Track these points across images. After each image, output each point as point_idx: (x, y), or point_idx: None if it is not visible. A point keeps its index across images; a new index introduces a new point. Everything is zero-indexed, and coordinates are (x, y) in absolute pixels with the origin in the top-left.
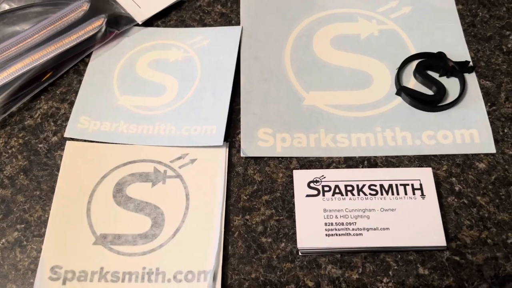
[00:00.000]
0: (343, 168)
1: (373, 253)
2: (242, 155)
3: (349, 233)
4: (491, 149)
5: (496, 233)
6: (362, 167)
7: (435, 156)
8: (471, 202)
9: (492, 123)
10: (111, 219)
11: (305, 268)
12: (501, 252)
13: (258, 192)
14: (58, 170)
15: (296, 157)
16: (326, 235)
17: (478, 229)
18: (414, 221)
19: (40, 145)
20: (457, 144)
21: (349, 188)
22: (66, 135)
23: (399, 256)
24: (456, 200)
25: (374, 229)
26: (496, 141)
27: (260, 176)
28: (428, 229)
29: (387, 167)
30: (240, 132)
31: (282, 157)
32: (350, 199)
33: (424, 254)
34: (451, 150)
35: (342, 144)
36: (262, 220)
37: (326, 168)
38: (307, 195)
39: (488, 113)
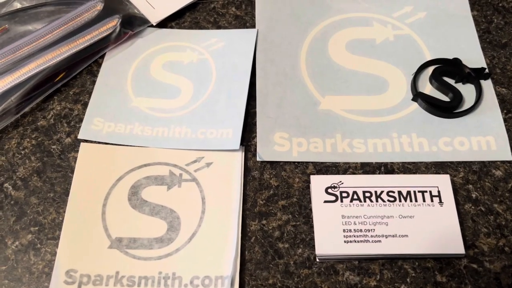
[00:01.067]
0: (360, 173)
1: (391, 260)
2: (258, 159)
3: (367, 240)
4: (508, 156)
5: None
6: (379, 173)
7: (451, 162)
8: (488, 209)
9: (508, 130)
10: (127, 223)
11: (322, 275)
12: None
13: (274, 197)
14: (72, 172)
15: (312, 162)
16: (345, 241)
17: (495, 237)
18: (433, 228)
19: (53, 146)
20: (473, 151)
21: (367, 194)
22: (80, 136)
23: (417, 264)
24: (473, 207)
25: (393, 236)
26: None
27: (276, 181)
28: (447, 237)
29: (404, 173)
30: (256, 136)
31: (298, 162)
32: (368, 205)
33: (442, 261)
34: (467, 157)
35: (359, 150)
36: (279, 225)
37: (343, 173)
38: (325, 201)
39: (504, 120)
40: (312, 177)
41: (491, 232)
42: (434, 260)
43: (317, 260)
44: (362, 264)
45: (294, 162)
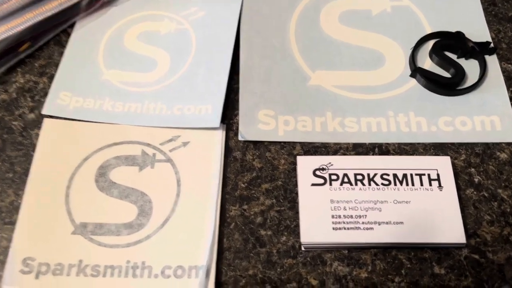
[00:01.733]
0: (352, 155)
1: (384, 250)
2: (240, 138)
3: (358, 227)
4: None
5: None
6: (373, 155)
7: (452, 144)
8: (491, 195)
9: None
10: (93, 207)
11: (308, 265)
12: None
13: (257, 179)
14: (34, 150)
15: (300, 142)
16: (333, 228)
17: (499, 225)
18: (431, 215)
19: (14, 123)
20: (476, 132)
21: (359, 177)
22: (44, 112)
23: (412, 254)
24: (475, 192)
25: (386, 223)
26: None
27: (260, 162)
28: (446, 224)
29: (400, 155)
30: (238, 113)
31: (284, 142)
32: (360, 189)
33: (441, 251)
34: (470, 138)
35: (351, 129)
36: (262, 211)
37: (333, 155)
38: (312, 184)
39: (510, 98)
40: (298, 158)
41: (495, 220)
42: (432, 250)
43: (303, 249)
44: (352, 254)
45: (280, 142)
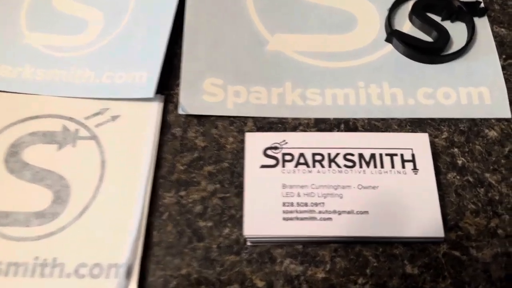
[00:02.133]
0: (313, 132)
1: (346, 245)
2: (181, 112)
3: (314, 217)
4: (506, 113)
5: (510, 221)
6: (338, 132)
7: (432, 120)
8: (477, 180)
9: (507, 80)
10: None
11: (254, 263)
12: None
13: (199, 161)
14: None
15: (252, 117)
16: (284, 219)
17: (485, 215)
18: (403, 203)
19: None
20: (461, 106)
21: (318, 157)
22: None
23: (380, 250)
24: (458, 177)
25: (349, 212)
26: None
27: (204, 141)
28: (421, 215)
29: (370, 132)
30: (180, 82)
31: (234, 117)
32: (318, 171)
33: (414, 247)
34: (454, 113)
35: (313, 102)
36: (202, 198)
37: (292, 131)
38: (262, 166)
39: (503, 67)
40: (247, 134)
41: (481, 210)
42: (404, 245)
43: (248, 243)
44: (308, 250)
45: (228, 117)
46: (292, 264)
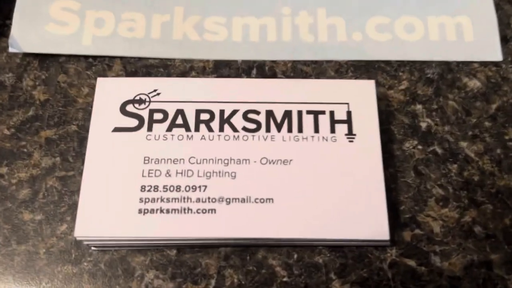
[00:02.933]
0: (204, 78)
1: (243, 250)
2: (12, 50)
3: (190, 209)
4: (494, 54)
5: (492, 214)
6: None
7: (387, 63)
8: (449, 151)
9: (499, 7)
10: None
11: (100, 277)
12: (500, 251)
13: (35, 122)
14: None
15: (122, 58)
16: (141, 211)
17: (458, 205)
18: (328, 187)
19: None
20: (430, 43)
21: (205, 116)
22: None
23: (295, 257)
24: (420, 147)
25: (244, 200)
26: (505, 41)
27: (46, 92)
28: (357, 205)
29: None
30: (15, 8)
31: (94, 57)
32: (203, 138)
33: (346, 254)
34: (418, 54)
35: (214, 36)
36: (32, 177)
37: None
38: (116, 129)
39: None
40: (99, 80)
41: (451, 197)
42: (330, 250)
43: (93, 248)
44: (184, 257)
45: (86, 58)
46: (158, 279)
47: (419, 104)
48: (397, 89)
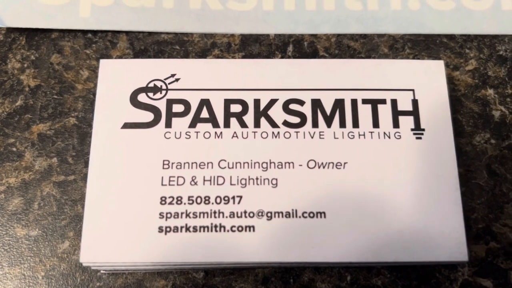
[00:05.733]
0: (235, 59)
1: (285, 271)
2: None
3: (222, 226)
4: None
5: None
6: (281, 59)
7: (451, 38)
8: None
9: None
10: None
11: None
12: None
13: (24, 114)
14: None
15: (127, 33)
16: (162, 229)
17: None
18: (392, 197)
19: None
20: (502, 13)
21: (236, 108)
22: None
23: (348, 278)
24: (493, 141)
25: (289, 214)
26: None
27: (37, 76)
28: (427, 219)
29: (340, 58)
30: None
31: (94, 32)
32: (234, 136)
33: (410, 273)
34: (488, 26)
35: (241, 5)
36: (24, 183)
37: (196, 58)
38: (126, 125)
39: None
40: (102, 62)
41: None
42: (390, 271)
43: (103, 271)
44: (214, 280)
45: (83, 33)
46: None
47: (490, 88)
48: (464, 70)
